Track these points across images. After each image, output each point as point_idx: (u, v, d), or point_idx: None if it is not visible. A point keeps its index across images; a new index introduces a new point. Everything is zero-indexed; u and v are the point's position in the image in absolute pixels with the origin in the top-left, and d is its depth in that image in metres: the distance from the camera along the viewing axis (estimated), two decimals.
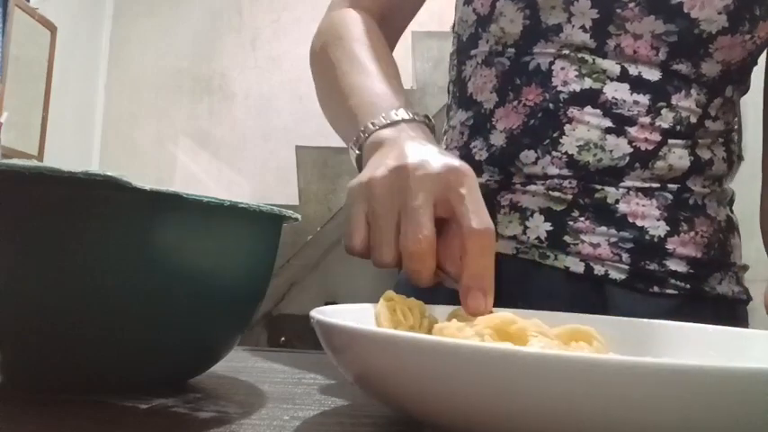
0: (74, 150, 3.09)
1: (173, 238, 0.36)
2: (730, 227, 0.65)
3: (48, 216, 0.34)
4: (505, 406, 0.25)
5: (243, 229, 0.40)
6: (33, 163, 0.32)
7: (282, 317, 2.49)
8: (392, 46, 0.70)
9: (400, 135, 0.48)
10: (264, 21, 3.30)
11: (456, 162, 0.43)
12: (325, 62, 0.63)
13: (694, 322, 0.45)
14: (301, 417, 0.36)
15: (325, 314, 0.34)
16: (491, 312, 0.40)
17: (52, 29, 2.77)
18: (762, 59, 0.65)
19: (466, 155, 0.65)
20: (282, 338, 2.44)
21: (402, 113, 0.50)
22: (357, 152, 0.51)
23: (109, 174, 0.32)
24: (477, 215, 0.40)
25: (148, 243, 0.35)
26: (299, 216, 0.43)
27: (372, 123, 0.50)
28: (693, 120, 0.61)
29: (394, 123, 0.49)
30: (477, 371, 0.25)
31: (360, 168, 0.51)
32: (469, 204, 0.41)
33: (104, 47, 3.32)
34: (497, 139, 0.63)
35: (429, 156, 0.43)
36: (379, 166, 0.44)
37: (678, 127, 0.60)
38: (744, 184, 0.69)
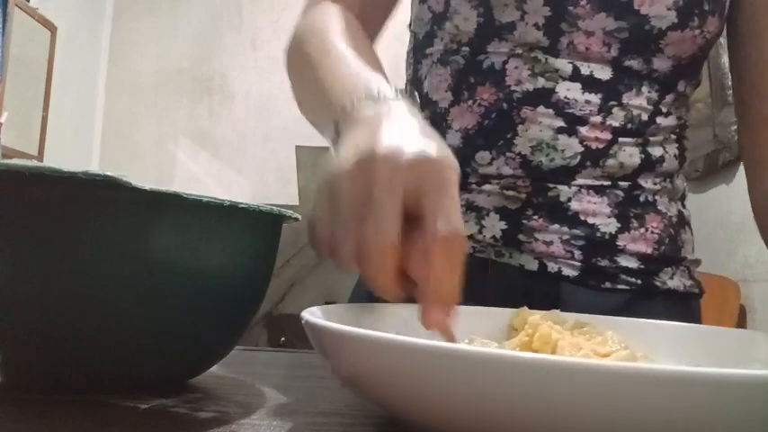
0: (74, 150, 3.08)
1: (173, 238, 0.36)
2: (681, 222, 0.66)
3: (48, 216, 0.34)
4: (490, 409, 0.25)
5: (243, 229, 0.40)
6: (33, 163, 0.33)
7: (282, 317, 2.49)
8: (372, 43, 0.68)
9: (378, 113, 0.40)
10: (264, 21, 3.30)
11: (433, 151, 0.36)
12: (302, 58, 0.60)
13: (646, 316, 0.47)
14: (301, 417, 0.36)
15: (316, 315, 0.34)
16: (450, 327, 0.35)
17: (52, 29, 2.77)
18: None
19: None
20: (282, 338, 2.44)
21: (384, 90, 0.44)
22: (335, 136, 0.43)
23: (109, 174, 0.32)
24: (445, 216, 0.35)
25: (148, 243, 0.35)
26: (299, 216, 0.43)
27: (350, 103, 0.43)
28: (644, 117, 0.62)
29: (373, 100, 0.43)
30: (457, 373, 0.25)
31: None
32: (438, 203, 0.35)
33: (104, 47, 3.32)
34: (453, 139, 0.63)
35: (404, 141, 0.36)
36: (347, 155, 0.37)
37: (629, 125, 0.61)
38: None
